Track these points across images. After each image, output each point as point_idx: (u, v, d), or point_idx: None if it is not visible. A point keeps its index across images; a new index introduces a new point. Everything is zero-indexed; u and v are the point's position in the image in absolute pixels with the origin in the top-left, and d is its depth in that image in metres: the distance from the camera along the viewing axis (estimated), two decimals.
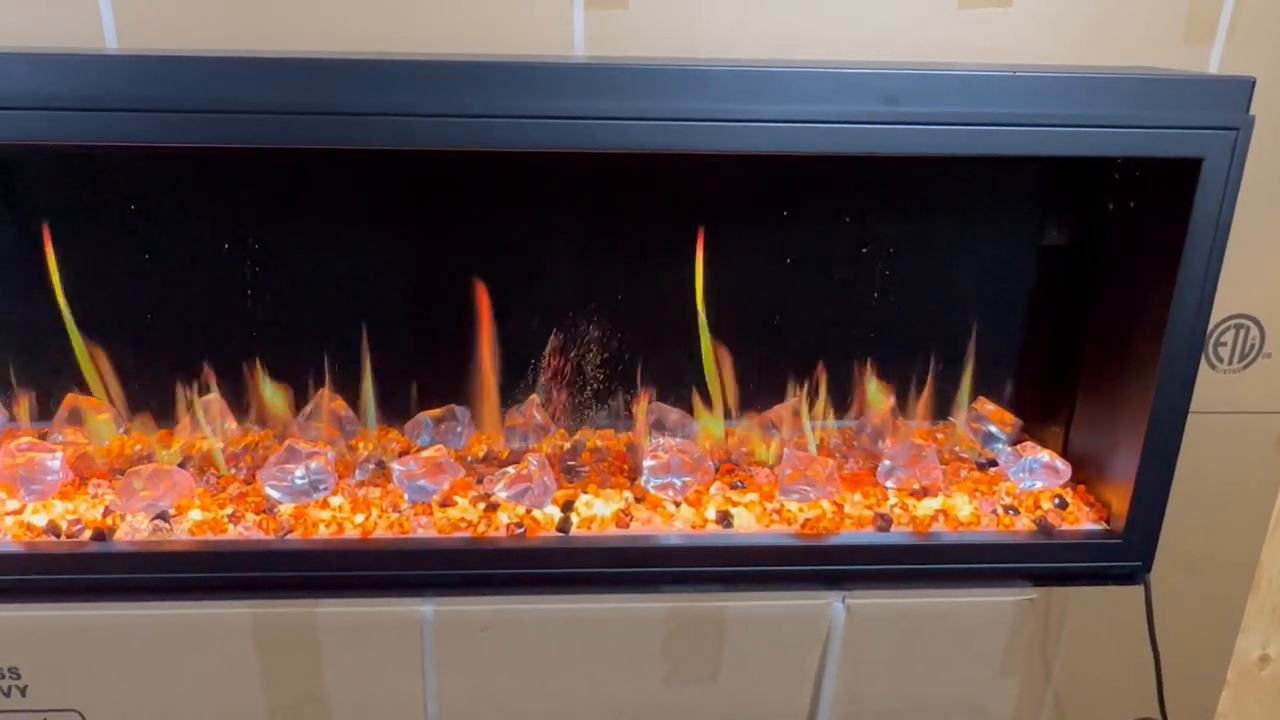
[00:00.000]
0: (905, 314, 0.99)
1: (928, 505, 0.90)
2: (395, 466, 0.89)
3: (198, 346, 0.99)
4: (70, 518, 0.85)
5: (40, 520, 0.85)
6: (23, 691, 0.85)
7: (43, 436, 0.95)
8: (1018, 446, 0.95)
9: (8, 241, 0.98)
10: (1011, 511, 0.89)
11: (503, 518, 0.87)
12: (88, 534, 0.83)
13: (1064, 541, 0.88)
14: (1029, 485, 0.93)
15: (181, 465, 0.93)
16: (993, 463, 0.97)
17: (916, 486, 0.92)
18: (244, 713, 0.86)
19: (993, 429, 1.01)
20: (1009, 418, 1.02)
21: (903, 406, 1.02)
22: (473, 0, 0.86)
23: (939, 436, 1.02)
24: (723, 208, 0.99)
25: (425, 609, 0.84)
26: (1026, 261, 1.00)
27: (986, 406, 1.02)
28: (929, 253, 0.99)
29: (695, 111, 0.71)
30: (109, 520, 0.85)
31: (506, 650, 0.86)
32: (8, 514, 0.85)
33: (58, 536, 0.83)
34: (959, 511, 0.89)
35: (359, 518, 0.86)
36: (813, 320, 1.01)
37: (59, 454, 0.88)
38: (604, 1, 0.87)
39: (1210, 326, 0.94)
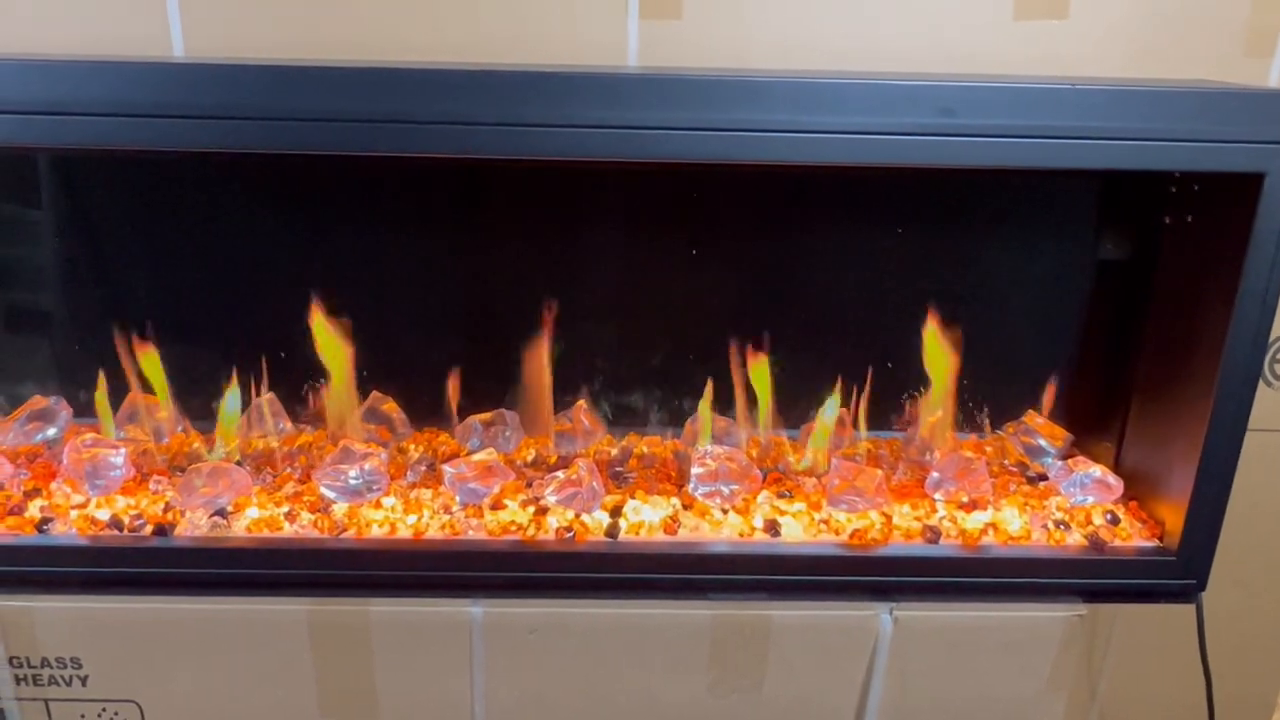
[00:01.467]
0: (956, 326, 0.99)
1: (977, 518, 0.89)
2: (447, 469, 0.90)
3: (254, 347, 1.01)
4: (132, 513, 0.87)
5: (104, 514, 0.87)
6: (83, 681, 0.87)
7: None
8: (1069, 461, 0.94)
9: (73, 243, 1.01)
10: (1062, 526, 0.89)
11: (552, 522, 0.87)
12: (149, 529, 0.86)
13: (1116, 558, 0.87)
14: (1080, 500, 0.92)
15: (238, 463, 0.95)
16: (1043, 477, 0.96)
17: (965, 499, 0.92)
18: (296, 708, 0.88)
19: (1042, 443, 1.00)
20: (1059, 432, 1.01)
21: (951, 418, 1.02)
22: (528, 11, 0.87)
23: (988, 449, 1.02)
24: (773, 217, 0.99)
25: (475, 610, 0.85)
26: (1080, 275, 1.00)
27: (1036, 420, 1.01)
28: (981, 265, 0.99)
29: (752, 122, 0.72)
30: (170, 516, 0.87)
31: (553, 653, 0.87)
32: (73, 507, 0.88)
33: (120, 531, 0.86)
34: (1009, 525, 0.89)
35: (411, 519, 0.87)
36: (862, 330, 1.01)
37: (122, 450, 0.90)
38: (658, 12, 0.88)
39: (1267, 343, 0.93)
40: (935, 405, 0.98)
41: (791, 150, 0.73)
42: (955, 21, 0.88)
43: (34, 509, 0.87)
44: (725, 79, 0.73)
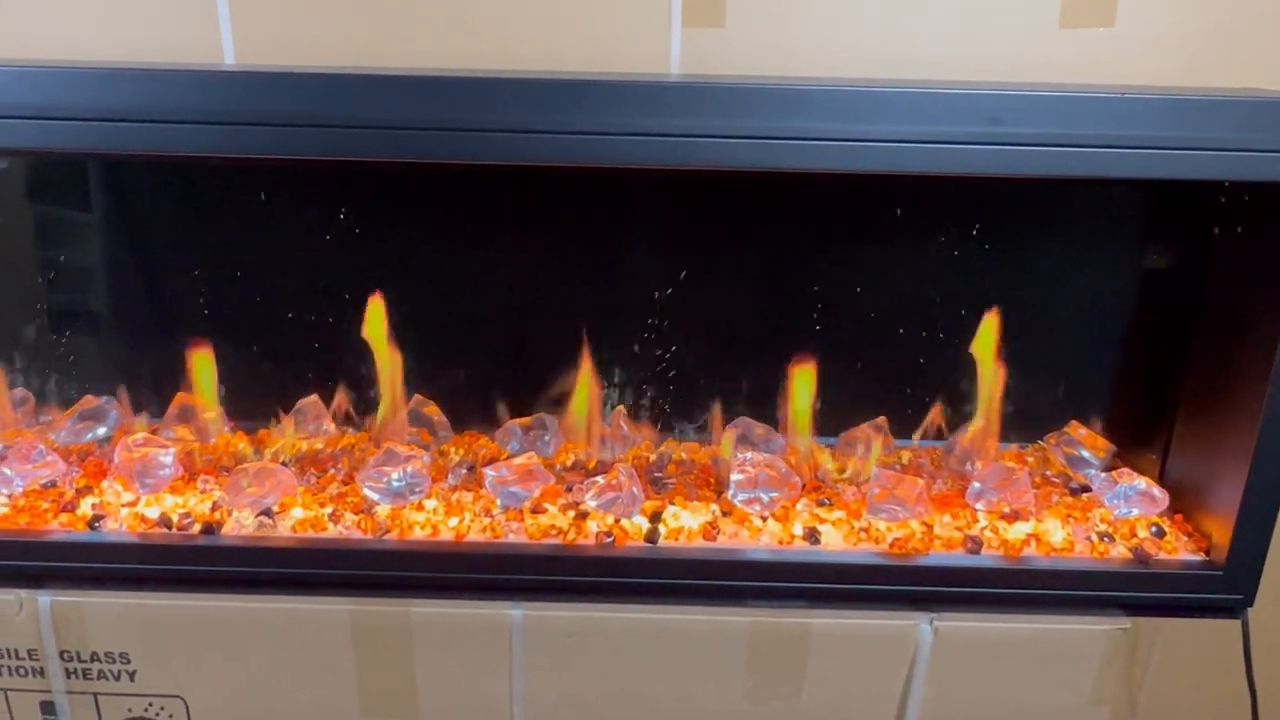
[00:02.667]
0: (999, 335, 0.98)
1: (1019, 529, 0.89)
2: (488, 472, 0.91)
3: (296, 348, 1.03)
4: (181, 511, 0.89)
5: (153, 513, 0.89)
6: (131, 676, 0.89)
7: (154, 433, 1.00)
8: (1113, 473, 0.93)
9: (121, 245, 1.03)
10: (1106, 539, 0.88)
11: (592, 526, 0.88)
12: (197, 527, 0.87)
13: (1161, 571, 0.86)
14: (1124, 513, 0.91)
15: (284, 464, 0.96)
16: (1085, 488, 0.95)
17: (1007, 510, 0.91)
18: (337, 707, 0.89)
19: (1085, 454, 0.99)
20: (1102, 443, 1.00)
21: (994, 428, 1.01)
22: (572, 19, 0.88)
23: (1029, 460, 1.01)
24: (815, 225, 0.99)
25: (514, 613, 0.86)
26: (1125, 284, 0.99)
27: (1079, 431, 1.00)
28: (1024, 274, 0.98)
29: (798, 131, 0.72)
30: (217, 515, 0.88)
31: (592, 657, 0.87)
32: (123, 505, 0.90)
33: (169, 529, 0.87)
34: (1051, 537, 0.88)
35: (453, 521, 0.88)
36: (903, 339, 1.00)
37: (171, 450, 0.92)
38: (701, 20, 0.89)
39: None
40: (977, 415, 0.97)
41: (836, 159, 0.73)
42: (1000, 29, 0.88)
43: (85, 506, 0.89)
44: (772, 87, 0.73)
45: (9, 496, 0.90)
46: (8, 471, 0.91)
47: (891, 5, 0.87)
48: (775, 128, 0.72)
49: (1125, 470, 0.94)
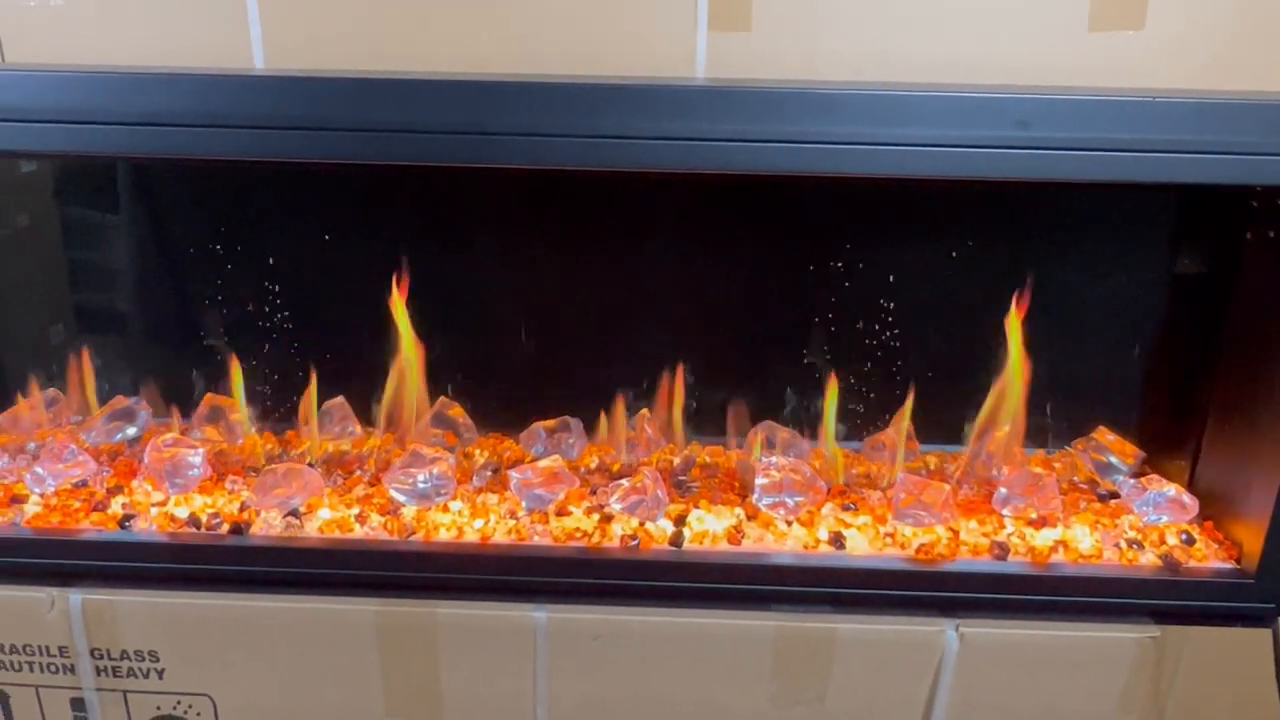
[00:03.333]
0: (1026, 340, 0.98)
1: (1046, 535, 0.88)
2: (513, 475, 0.91)
3: (325, 350, 1.03)
4: (210, 511, 0.90)
5: (182, 512, 0.90)
6: (160, 674, 0.90)
7: (183, 433, 1.01)
8: (1142, 479, 0.92)
9: (148, 246, 1.04)
10: (1135, 546, 0.87)
11: (617, 529, 0.88)
12: (225, 527, 0.88)
13: (1191, 579, 0.85)
14: (1154, 519, 0.90)
15: (310, 465, 0.97)
16: (1114, 494, 0.95)
17: (1034, 516, 0.90)
18: (363, 706, 0.90)
19: (1113, 460, 0.98)
20: (1130, 449, 0.99)
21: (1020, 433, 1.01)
22: (597, 22, 0.88)
23: (1057, 465, 1.00)
24: (841, 228, 0.99)
25: (539, 615, 0.86)
26: (1154, 288, 0.98)
27: (1107, 436, 0.99)
28: (1052, 278, 0.98)
29: (827, 135, 0.72)
30: (245, 515, 0.89)
31: (616, 660, 0.88)
32: (153, 505, 0.90)
33: (198, 528, 0.88)
34: (1079, 543, 0.87)
35: (478, 523, 0.89)
36: (929, 343, 1.00)
37: (200, 450, 0.93)
38: (727, 24, 0.89)
39: None
40: (1004, 420, 0.97)
41: (864, 163, 0.73)
42: (1028, 32, 0.87)
43: (116, 506, 0.90)
44: (799, 91, 0.73)
45: (41, 496, 0.91)
46: (40, 471, 0.92)
47: (917, 8, 0.87)
48: (803, 131, 0.72)
49: (1154, 476, 0.93)
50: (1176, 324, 0.98)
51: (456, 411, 1.03)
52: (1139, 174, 0.75)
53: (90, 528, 0.88)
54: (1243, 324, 0.88)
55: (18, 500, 0.91)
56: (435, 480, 0.91)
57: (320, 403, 1.02)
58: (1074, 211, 0.97)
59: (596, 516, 0.89)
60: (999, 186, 0.93)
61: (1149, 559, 0.87)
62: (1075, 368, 1.01)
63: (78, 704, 0.91)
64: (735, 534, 0.88)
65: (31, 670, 0.90)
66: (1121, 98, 0.74)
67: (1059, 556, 0.87)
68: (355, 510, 0.90)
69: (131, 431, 1.02)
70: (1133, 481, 0.93)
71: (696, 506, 0.92)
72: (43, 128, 0.78)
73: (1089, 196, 0.97)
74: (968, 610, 0.86)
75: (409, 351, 0.97)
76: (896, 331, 1.00)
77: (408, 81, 0.77)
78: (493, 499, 0.92)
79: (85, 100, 0.78)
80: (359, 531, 0.88)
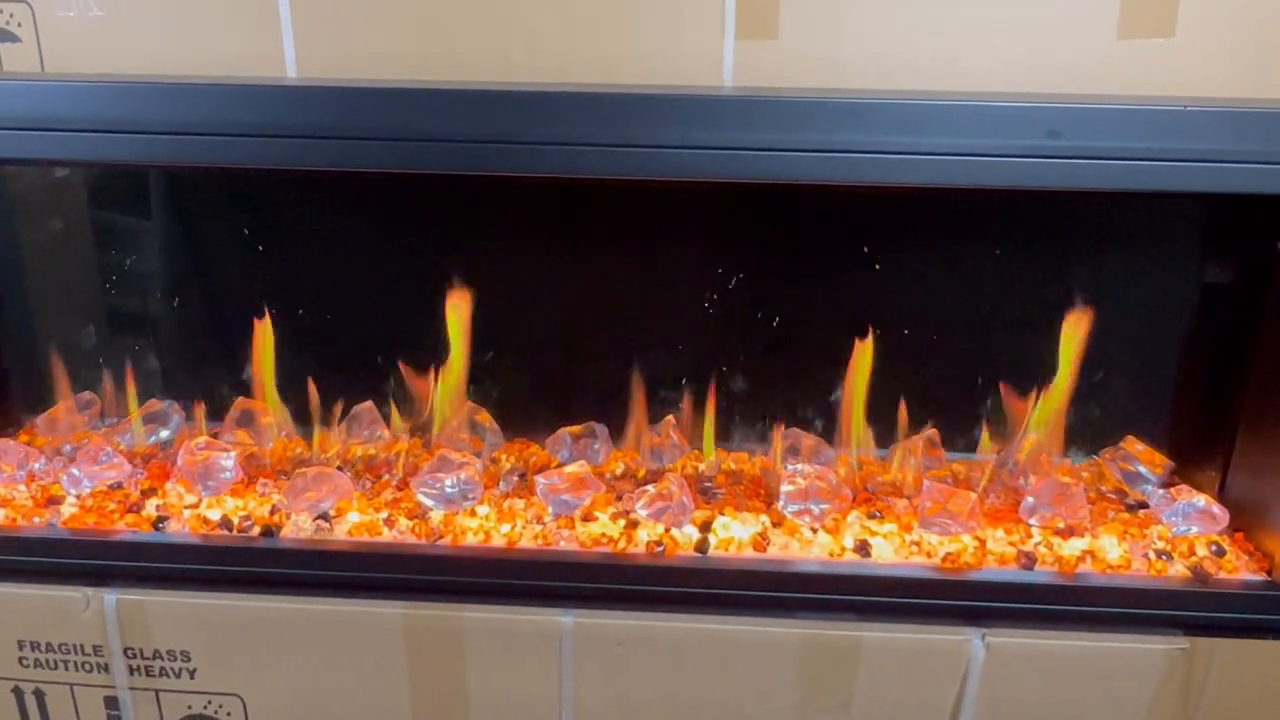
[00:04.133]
0: (1053, 347, 0.97)
1: (1074, 545, 0.88)
2: (540, 480, 0.92)
3: (356, 356, 1.05)
4: (241, 514, 0.91)
5: (214, 515, 0.91)
6: (191, 674, 0.91)
7: (214, 436, 1.02)
8: (1171, 489, 0.92)
9: (179, 251, 1.06)
10: (1164, 556, 0.86)
11: (642, 535, 0.89)
12: (257, 529, 0.89)
13: (1221, 591, 0.84)
14: (1183, 530, 0.90)
15: (339, 469, 0.98)
16: (1143, 505, 0.94)
17: (1061, 525, 0.90)
18: (390, 708, 0.90)
19: (1142, 469, 0.98)
20: (1159, 459, 0.98)
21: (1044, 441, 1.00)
22: (623, 31, 0.89)
23: (1084, 475, 1.00)
24: (869, 237, 0.99)
25: (565, 620, 0.87)
26: (1184, 297, 0.98)
27: (1136, 446, 0.99)
28: (1080, 286, 0.97)
29: (857, 144, 0.72)
30: (276, 518, 0.90)
31: (642, 665, 0.88)
32: (186, 507, 0.92)
33: (230, 531, 0.89)
34: (1107, 553, 0.87)
35: (505, 528, 0.89)
36: (956, 351, 1.00)
37: (232, 454, 0.94)
38: (754, 32, 0.89)
39: None
40: (1031, 428, 0.96)
41: (894, 172, 0.73)
42: (1057, 40, 0.87)
43: (150, 507, 0.92)
44: (829, 100, 0.73)
45: (78, 497, 0.93)
46: (77, 472, 0.94)
47: (946, 17, 0.87)
48: (832, 140, 0.72)
49: (1184, 487, 0.93)
50: (1206, 334, 0.97)
51: (483, 416, 1.04)
52: (1170, 183, 0.75)
53: (125, 529, 0.90)
54: (1274, 334, 0.87)
55: (54, 501, 0.92)
56: (463, 485, 0.92)
57: (349, 407, 1.04)
58: (1103, 220, 0.97)
59: (622, 522, 0.90)
60: (1027, 195, 0.93)
61: (1178, 570, 0.86)
62: (1103, 377, 1.01)
63: (111, 702, 0.92)
64: (761, 541, 0.88)
65: (67, 669, 0.91)
66: (1153, 106, 0.73)
67: (1086, 566, 0.86)
68: (384, 514, 0.91)
69: (164, 434, 1.04)
70: (1162, 492, 0.93)
71: (722, 513, 0.92)
72: (82, 137, 0.80)
73: (1118, 205, 0.97)
74: (994, 619, 0.86)
75: (456, 358, 0.98)
76: (924, 338, 1.00)
77: (439, 91, 0.78)
78: (519, 504, 0.93)
79: (123, 110, 0.79)
80: (387, 535, 0.89)
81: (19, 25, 0.91)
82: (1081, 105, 0.73)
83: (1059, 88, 0.88)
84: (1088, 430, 1.02)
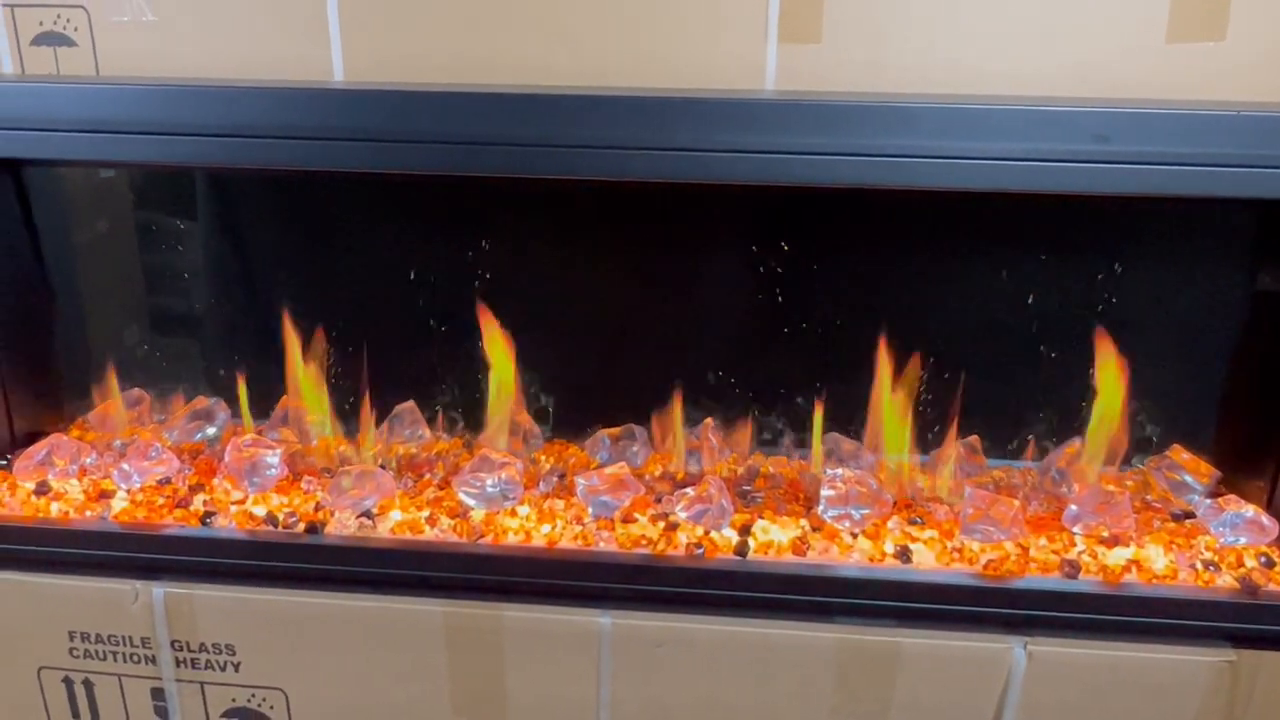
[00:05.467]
0: (1097, 355, 0.96)
1: (1119, 554, 0.87)
2: (580, 481, 0.92)
3: (396, 356, 1.06)
4: (286, 510, 0.92)
5: (260, 511, 0.92)
6: (236, 667, 0.92)
7: (259, 434, 1.04)
8: (1219, 499, 0.90)
9: (224, 251, 1.08)
10: (1211, 567, 0.85)
11: (682, 537, 0.89)
12: (301, 526, 0.90)
13: (1270, 603, 0.83)
14: (1231, 541, 0.88)
15: (382, 467, 0.99)
16: (1189, 514, 0.93)
17: (1105, 534, 0.89)
18: (430, 704, 0.91)
19: (1188, 479, 0.96)
20: (1206, 468, 0.97)
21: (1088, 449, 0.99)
22: (667, 35, 0.89)
23: (1128, 483, 0.98)
24: (908, 242, 0.99)
25: (604, 620, 0.87)
26: (1232, 304, 0.96)
27: (1182, 455, 0.97)
28: (1128, 293, 0.96)
29: (901, 148, 0.72)
30: (320, 515, 0.91)
31: (679, 667, 0.88)
32: (232, 503, 0.93)
33: (275, 527, 0.91)
34: (1153, 563, 0.85)
35: (545, 528, 0.90)
36: (999, 357, 0.99)
37: (278, 451, 0.96)
38: (797, 36, 0.89)
39: None
40: (1074, 436, 0.95)
41: (940, 176, 0.73)
42: (1104, 43, 0.86)
43: (198, 503, 0.93)
44: (875, 104, 0.73)
45: (128, 491, 0.95)
46: (127, 468, 0.96)
47: (991, 20, 0.86)
48: (879, 145, 0.72)
49: (1232, 497, 0.91)
50: (1256, 342, 0.96)
51: (523, 417, 1.05)
52: (1221, 189, 0.74)
53: (173, 523, 0.91)
54: None
55: (106, 495, 0.94)
56: (504, 484, 0.93)
57: (391, 407, 1.05)
58: (1150, 225, 0.96)
59: (662, 524, 0.90)
60: (1074, 200, 0.92)
61: (1226, 581, 0.85)
62: (1149, 384, 0.99)
63: (158, 694, 0.94)
64: (800, 545, 0.88)
65: (115, 660, 0.93)
66: (1203, 111, 0.73)
67: (1132, 576, 0.85)
68: (426, 512, 0.92)
69: (211, 431, 1.06)
70: (1209, 502, 0.91)
71: (761, 516, 0.92)
72: (135, 138, 0.82)
73: (1165, 208, 0.95)
74: (1036, 628, 0.85)
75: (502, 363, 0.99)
76: (966, 344, 0.99)
77: (482, 95, 0.79)
78: (559, 504, 0.93)
79: (175, 113, 0.81)
80: (429, 533, 0.90)
81: (75, 30, 0.93)
82: (1130, 110, 0.73)
83: (1106, 92, 0.87)
84: (1133, 439, 1.01)
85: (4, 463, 1.00)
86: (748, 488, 0.98)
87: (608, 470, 0.93)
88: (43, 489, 0.95)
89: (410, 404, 1.06)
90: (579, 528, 0.90)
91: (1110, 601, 0.84)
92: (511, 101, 0.78)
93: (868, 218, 0.99)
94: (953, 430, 0.96)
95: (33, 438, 1.02)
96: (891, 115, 0.73)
